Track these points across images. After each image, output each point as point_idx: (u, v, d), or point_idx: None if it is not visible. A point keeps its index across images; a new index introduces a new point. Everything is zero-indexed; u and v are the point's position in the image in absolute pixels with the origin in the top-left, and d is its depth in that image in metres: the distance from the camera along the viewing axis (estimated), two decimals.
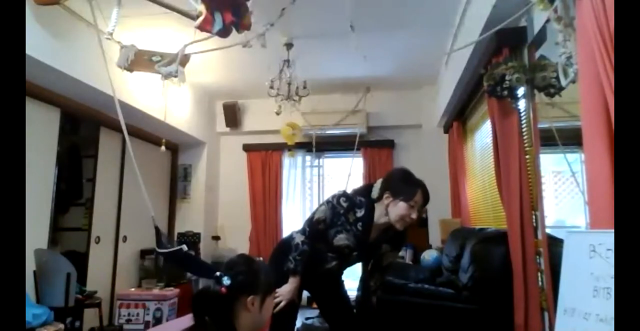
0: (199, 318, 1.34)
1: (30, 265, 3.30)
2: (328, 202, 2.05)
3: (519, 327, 2.33)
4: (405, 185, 2.01)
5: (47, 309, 3.00)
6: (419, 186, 2.01)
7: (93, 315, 3.89)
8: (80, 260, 4.03)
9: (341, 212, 2.01)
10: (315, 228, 2.01)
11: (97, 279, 4.23)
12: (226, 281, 1.34)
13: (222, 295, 1.33)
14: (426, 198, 2.01)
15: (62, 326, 3.05)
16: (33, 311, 2.86)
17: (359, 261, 2.22)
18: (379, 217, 2.03)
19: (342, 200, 2.02)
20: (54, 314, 3.03)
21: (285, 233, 5.59)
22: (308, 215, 2.07)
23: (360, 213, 2.02)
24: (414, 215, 1.96)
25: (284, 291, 1.97)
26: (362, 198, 2.06)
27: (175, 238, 5.22)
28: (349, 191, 2.14)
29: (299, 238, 2.01)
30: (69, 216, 4.77)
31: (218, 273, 1.37)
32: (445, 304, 2.71)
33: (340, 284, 2.31)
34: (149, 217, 2.99)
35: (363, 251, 2.08)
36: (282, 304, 1.95)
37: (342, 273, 2.26)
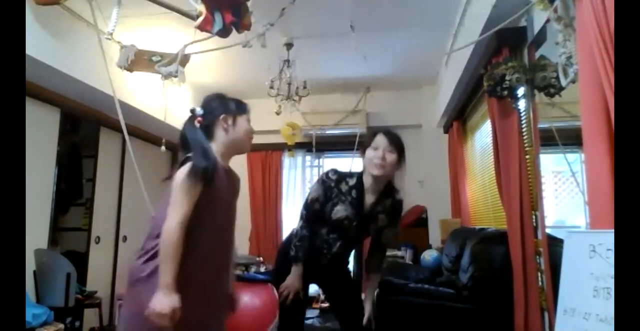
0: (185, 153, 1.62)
1: (30, 265, 3.30)
2: (318, 180, 2.12)
3: (518, 327, 2.33)
4: (370, 138, 2.09)
5: (47, 309, 3.00)
6: (379, 132, 2.08)
7: (93, 315, 3.90)
8: (80, 260, 4.03)
9: (332, 185, 2.05)
10: (312, 209, 2.05)
11: (97, 279, 4.23)
12: (199, 111, 1.70)
13: (200, 123, 1.67)
14: (390, 138, 2.03)
15: (62, 326, 3.05)
16: (33, 311, 2.86)
17: (360, 237, 2.16)
18: (366, 180, 2.06)
19: (330, 174, 2.09)
20: (54, 314, 3.03)
21: (285, 234, 5.62)
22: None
23: (352, 181, 2.06)
24: (379, 155, 1.98)
25: (288, 282, 2.02)
26: (352, 172, 2.14)
27: None
28: None
29: (298, 225, 2.08)
30: (69, 216, 4.77)
31: (192, 108, 1.71)
32: (445, 304, 2.71)
33: (350, 282, 2.29)
34: (149, 217, 3.00)
35: (362, 222, 2.04)
36: (290, 296, 2.00)
37: (347, 257, 2.22)
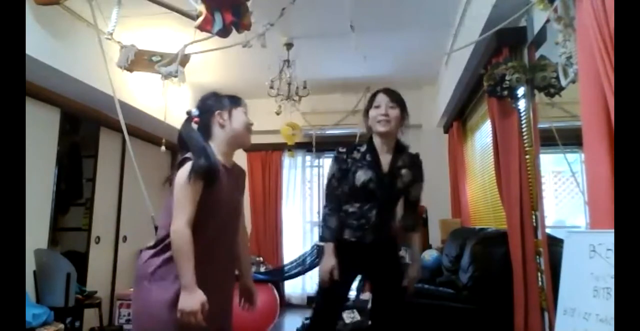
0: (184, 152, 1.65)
1: (30, 265, 3.30)
2: (332, 159, 2.17)
3: (518, 327, 2.33)
4: (370, 98, 2.15)
5: (47, 309, 3.00)
6: (378, 91, 2.14)
7: (93, 315, 3.90)
8: (80, 260, 4.03)
9: (344, 157, 2.10)
10: (331, 187, 2.11)
11: (97, 279, 4.23)
12: (195, 112, 1.74)
13: (197, 123, 1.70)
14: (390, 95, 2.09)
15: (62, 326, 3.05)
16: (33, 311, 2.86)
17: (392, 198, 2.09)
18: (376, 141, 2.12)
19: (340, 149, 2.15)
20: (54, 314, 3.03)
21: (285, 234, 5.63)
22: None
23: (362, 148, 2.11)
24: (381, 112, 2.05)
25: (322, 263, 2.08)
26: (360, 142, 2.19)
27: None
28: None
29: (322, 211, 2.14)
30: (69, 216, 4.77)
31: (188, 110, 1.76)
32: (445, 304, 2.71)
33: (399, 272, 2.14)
34: (149, 217, 3.00)
35: (387, 181, 2.03)
36: (325, 275, 2.03)
37: (389, 230, 2.10)
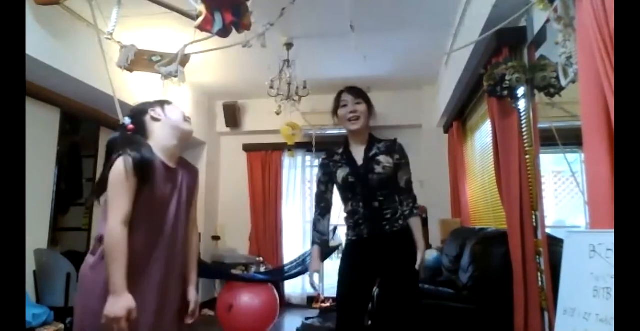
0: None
1: (30, 265, 3.30)
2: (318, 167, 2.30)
3: (518, 327, 2.33)
4: (335, 100, 2.23)
5: (47, 309, 3.00)
6: (342, 91, 2.21)
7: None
8: (80, 260, 4.01)
9: (327, 162, 2.22)
10: (319, 191, 2.23)
11: None
12: (127, 120, 1.69)
13: (132, 131, 1.66)
14: (353, 92, 2.17)
15: (62, 326, 3.05)
16: (33, 311, 2.86)
17: (376, 186, 2.06)
18: (350, 140, 2.21)
19: (322, 156, 2.31)
20: (54, 314, 3.03)
21: (285, 233, 5.64)
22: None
23: (340, 149, 2.22)
24: (349, 109, 2.14)
25: (309, 268, 2.16)
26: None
27: None
28: None
29: (313, 216, 2.27)
30: (69, 216, 4.77)
31: (121, 121, 1.72)
32: (445, 304, 2.71)
33: (407, 270, 2.04)
34: None
35: (364, 171, 2.09)
36: (310, 278, 2.12)
37: (385, 221, 2.06)
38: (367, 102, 2.18)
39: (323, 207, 2.22)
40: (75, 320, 1.55)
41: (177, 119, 1.71)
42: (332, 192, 2.22)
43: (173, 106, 1.77)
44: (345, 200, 2.17)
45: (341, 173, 2.13)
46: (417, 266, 2.02)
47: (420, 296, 2.14)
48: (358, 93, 2.18)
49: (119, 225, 1.47)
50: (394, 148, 2.15)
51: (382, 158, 2.11)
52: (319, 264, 2.14)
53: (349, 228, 2.15)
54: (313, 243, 2.20)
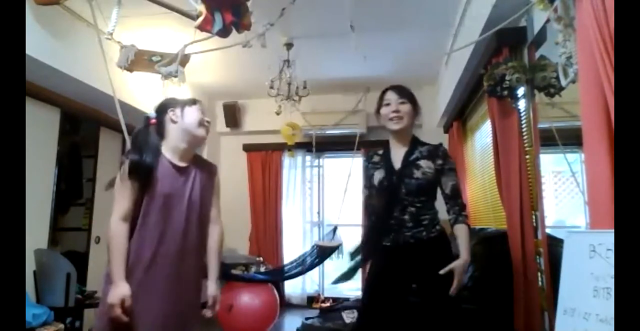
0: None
1: (30, 265, 3.30)
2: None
3: (518, 327, 2.34)
4: (379, 98, 2.14)
5: (47, 309, 3.00)
6: (387, 89, 2.12)
7: (93, 315, 3.89)
8: (80, 260, 4.03)
9: (367, 164, 2.16)
10: (365, 197, 2.16)
11: (97, 279, 4.22)
12: (152, 114, 1.83)
13: (154, 124, 1.79)
14: (398, 91, 2.08)
15: (62, 326, 3.05)
16: (33, 311, 2.86)
17: (411, 191, 1.98)
18: (391, 141, 2.12)
19: (364, 159, 2.25)
20: (54, 314, 3.03)
21: (285, 233, 5.63)
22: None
23: (381, 151, 2.15)
24: (392, 109, 2.04)
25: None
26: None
27: None
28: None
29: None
30: (69, 216, 4.77)
31: (145, 114, 1.84)
32: None
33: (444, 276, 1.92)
34: None
35: (400, 174, 1.99)
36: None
37: (421, 224, 2.00)
38: (412, 102, 2.06)
39: (373, 214, 2.11)
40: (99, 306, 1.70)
41: (191, 124, 1.76)
42: (374, 194, 2.12)
43: (194, 108, 1.80)
44: (381, 203, 2.06)
45: (378, 176, 2.05)
46: (455, 284, 1.88)
47: (459, 303, 2.01)
48: (403, 92, 2.07)
49: (117, 221, 1.64)
50: (436, 152, 2.03)
51: (422, 162, 2.00)
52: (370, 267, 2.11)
53: (381, 233, 2.03)
54: (361, 257, 2.21)
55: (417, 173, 1.98)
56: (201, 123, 1.79)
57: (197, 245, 1.75)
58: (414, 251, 1.98)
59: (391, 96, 2.07)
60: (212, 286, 1.77)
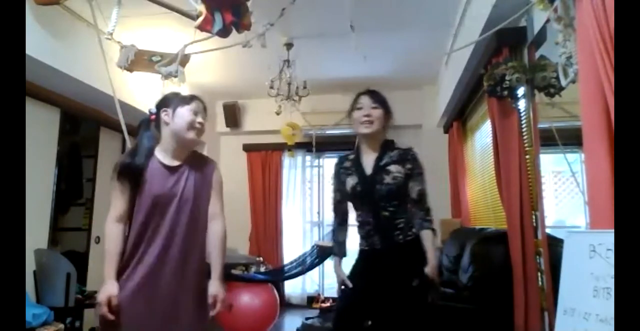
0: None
1: (30, 265, 3.30)
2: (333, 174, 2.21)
3: (518, 327, 2.34)
4: (353, 101, 2.17)
5: (47, 309, 3.00)
6: (361, 93, 2.14)
7: (93, 315, 3.89)
8: (80, 260, 4.03)
9: (338, 169, 2.14)
10: (335, 201, 2.16)
11: (97, 279, 4.22)
12: (152, 110, 1.83)
13: (153, 121, 1.82)
14: (372, 96, 2.08)
15: (62, 326, 3.05)
16: (33, 311, 2.86)
17: (383, 196, 1.97)
18: (362, 145, 2.12)
19: (335, 163, 2.21)
20: (54, 314, 3.03)
21: (285, 234, 5.63)
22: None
23: (352, 156, 2.14)
24: (364, 113, 2.05)
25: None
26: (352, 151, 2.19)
27: None
28: None
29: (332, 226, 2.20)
30: (69, 216, 4.77)
31: (150, 109, 1.84)
32: (445, 304, 2.71)
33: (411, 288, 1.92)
34: None
35: (372, 180, 1.98)
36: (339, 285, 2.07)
37: (395, 231, 1.98)
38: (385, 107, 2.07)
39: (341, 217, 2.16)
40: None
41: (181, 127, 1.73)
42: (346, 198, 2.13)
43: (186, 109, 1.75)
44: (355, 208, 2.11)
45: (350, 182, 2.05)
46: (414, 283, 1.89)
47: (425, 310, 1.96)
48: (376, 97, 2.09)
49: (111, 221, 1.71)
50: (406, 156, 2.02)
51: (392, 167, 1.99)
52: (343, 273, 2.06)
53: (361, 237, 2.06)
54: (334, 254, 2.13)
55: (388, 179, 1.98)
56: (191, 126, 1.74)
57: (191, 244, 1.72)
58: (389, 254, 1.98)
59: (364, 100, 2.08)
60: (213, 285, 1.72)
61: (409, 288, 1.91)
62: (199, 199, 1.77)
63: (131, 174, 1.69)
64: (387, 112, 2.08)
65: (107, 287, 1.59)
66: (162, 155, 1.76)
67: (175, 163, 1.76)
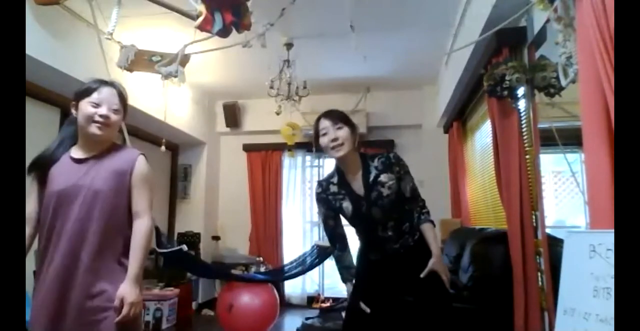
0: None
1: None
2: (316, 201, 2.11)
3: (518, 327, 2.33)
4: (314, 127, 2.06)
5: None
6: (319, 117, 2.03)
7: None
8: None
9: (324, 195, 2.04)
10: (330, 228, 2.08)
11: None
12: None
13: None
14: (331, 117, 1.99)
15: None
16: None
17: (389, 207, 1.95)
18: (342, 167, 2.04)
19: (316, 189, 2.09)
20: None
21: (285, 233, 5.64)
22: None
23: (334, 179, 2.04)
24: (330, 137, 1.95)
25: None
26: (331, 172, 2.11)
27: (175, 239, 5.22)
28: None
29: (333, 254, 2.11)
30: None
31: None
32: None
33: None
34: None
35: (370, 196, 1.94)
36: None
37: (405, 238, 1.99)
38: (349, 124, 1.99)
39: (341, 242, 2.09)
40: None
41: (83, 123, 1.60)
42: (342, 224, 2.09)
43: (85, 103, 1.59)
44: (355, 227, 2.07)
45: (348, 207, 1.98)
46: (445, 279, 1.90)
47: (450, 301, 1.99)
48: (337, 117, 1.99)
49: (25, 224, 1.54)
50: (390, 162, 1.98)
51: (383, 177, 1.95)
52: (358, 298, 2.00)
53: (369, 251, 2.04)
54: (343, 280, 2.05)
55: (385, 191, 1.94)
56: (91, 120, 1.57)
57: (102, 244, 1.53)
58: (403, 258, 1.99)
59: (326, 124, 1.98)
60: (123, 286, 1.51)
61: (428, 285, 1.91)
62: (115, 194, 1.57)
63: (37, 168, 1.58)
64: (353, 128, 2.00)
65: None
66: (75, 150, 1.64)
67: (85, 155, 1.62)
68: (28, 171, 1.58)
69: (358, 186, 1.97)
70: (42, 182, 1.58)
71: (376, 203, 1.94)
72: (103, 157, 1.62)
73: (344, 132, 1.95)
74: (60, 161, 1.60)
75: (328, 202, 2.03)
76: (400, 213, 1.99)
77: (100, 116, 1.58)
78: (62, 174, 1.57)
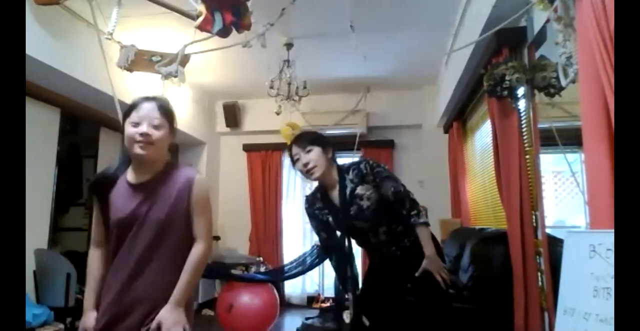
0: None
1: (30, 265, 3.30)
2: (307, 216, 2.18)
3: (518, 327, 2.33)
4: (289, 153, 2.09)
5: (47, 309, 3.00)
6: (290, 144, 2.08)
7: None
8: (80, 260, 4.01)
9: (312, 211, 2.12)
10: (322, 240, 2.16)
11: None
12: None
13: None
14: (299, 143, 2.02)
15: (62, 326, 3.05)
16: (33, 311, 2.86)
17: (373, 215, 1.98)
18: (323, 184, 2.09)
19: (304, 205, 2.17)
20: (54, 314, 3.03)
21: (285, 233, 5.64)
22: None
23: (319, 194, 2.11)
24: (303, 162, 1.98)
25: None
26: (317, 185, 2.15)
27: None
28: None
29: (331, 265, 2.21)
30: (69, 216, 4.77)
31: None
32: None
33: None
34: None
35: (351, 208, 1.98)
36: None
37: (394, 239, 2.03)
38: (317, 143, 2.00)
39: (336, 254, 2.14)
40: None
41: (127, 143, 1.52)
42: (335, 235, 2.12)
43: (127, 124, 1.53)
44: (350, 237, 2.10)
45: (335, 221, 2.05)
46: (442, 278, 1.92)
47: (444, 308, 2.04)
48: (305, 141, 2.02)
49: (91, 247, 1.58)
50: (363, 172, 1.98)
51: (360, 190, 1.97)
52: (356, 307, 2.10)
53: (367, 256, 2.16)
54: (346, 291, 2.15)
55: (364, 203, 1.95)
56: (132, 141, 1.48)
57: (158, 277, 1.49)
58: (400, 259, 2.04)
59: (296, 150, 2.02)
60: (163, 311, 1.45)
61: (427, 284, 1.95)
62: (174, 220, 1.52)
63: (97, 192, 1.54)
64: (324, 146, 2.01)
65: (85, 318, 1.49)
66: (130, 172, 1.56)
67: (141, 179, 1.53)
68: (89, 190, 1.62)
69: (338, 196, 2.02)
70: (104, 204, 1.53)
71: (357, 217, 1.98)
72: (158, 182, 1.54)
73: (314, 154, 1.98)
74: (118, 184, 1.55)
75: (316, 216, 2.10)
76: (390, 217, 2.01)
77: (141, 135, 1.48)
78: (120, 199, 1.52)
